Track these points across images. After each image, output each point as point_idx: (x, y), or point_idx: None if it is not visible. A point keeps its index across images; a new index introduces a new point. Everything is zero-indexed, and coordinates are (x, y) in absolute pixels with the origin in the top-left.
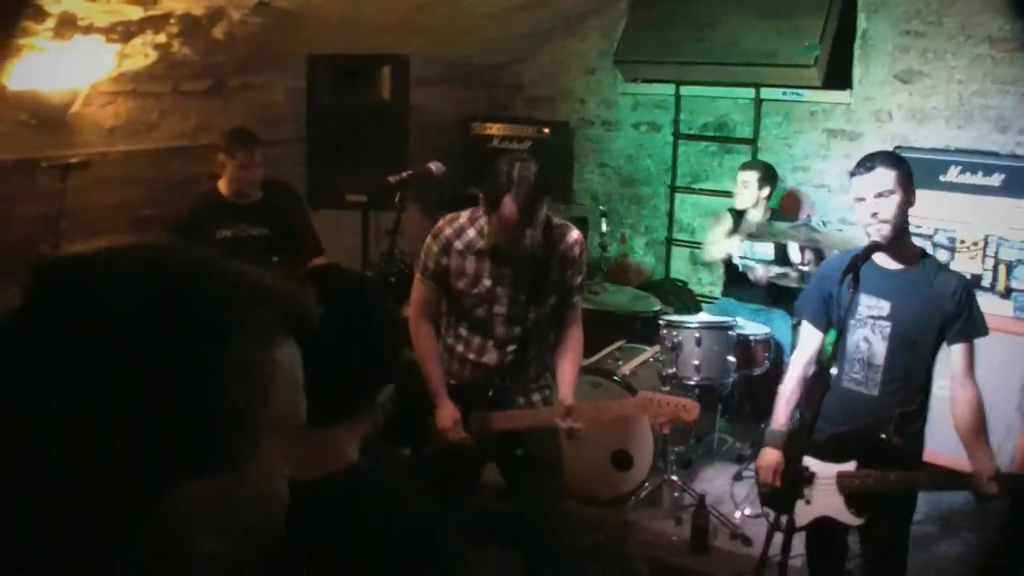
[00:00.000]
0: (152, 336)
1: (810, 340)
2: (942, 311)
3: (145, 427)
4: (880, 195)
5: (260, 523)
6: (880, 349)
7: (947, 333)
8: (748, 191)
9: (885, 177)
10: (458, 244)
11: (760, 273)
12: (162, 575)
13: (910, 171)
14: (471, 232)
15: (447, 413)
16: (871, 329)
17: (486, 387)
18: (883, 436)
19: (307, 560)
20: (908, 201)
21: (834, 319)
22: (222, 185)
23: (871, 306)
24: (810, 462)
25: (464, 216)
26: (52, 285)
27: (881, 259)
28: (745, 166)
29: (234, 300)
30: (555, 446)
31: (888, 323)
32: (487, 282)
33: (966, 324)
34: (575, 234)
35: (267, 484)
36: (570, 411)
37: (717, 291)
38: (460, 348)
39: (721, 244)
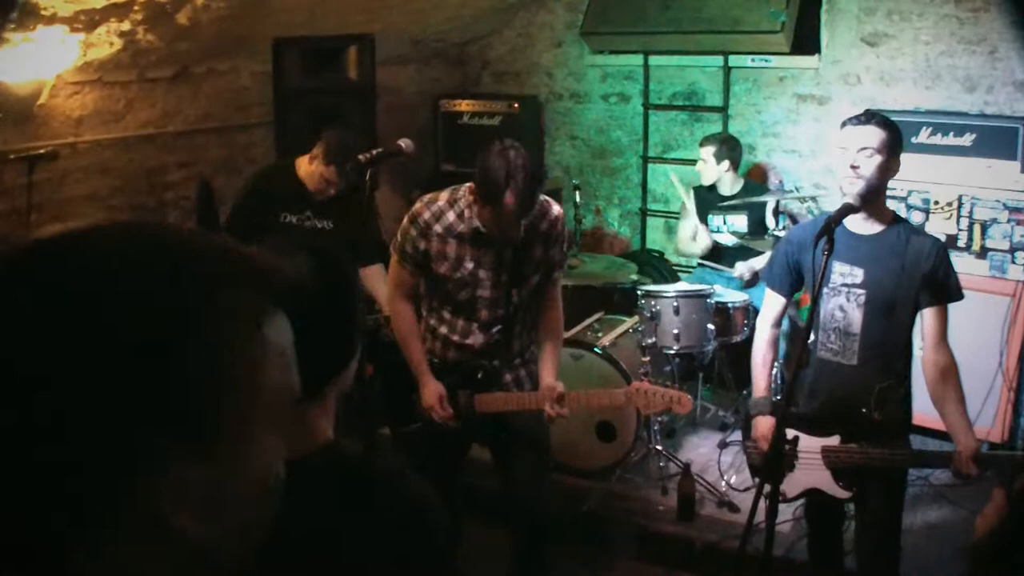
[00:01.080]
0: (139, 318)
1: (772, 304)
2: (918, 275)
3: (125, 410)
4: (863, 150)
5: (255, 509)
6: (856, 317)
7: (921, 297)
8: (708, 167)
9: (874, 135)
10: (438, 228)
11: (742, 271)
12: (148, 560)
13: (901, 140)
14: (450, 215)
15: (432, 390)
16: (845, 297)
17: (473, 368)
18: (864, 410)
19: (291, 540)
20: (890, 167)
21: (807, 286)
22: (303, 166)
23: (844, 273)
24: (795, 434)
25: (443, 199)
26: (38, 267)
27: (853, 224)
28: (703, 142)
29: (221, 278)
30: (542, 424)
31: (863, 291)
32: (469, 265)
33: (940, 287)
34: (556, 210)
35: (263, 468)
36: (561, 398)
37: (694, 260)
38: (444, 330)
39: (692, 245)
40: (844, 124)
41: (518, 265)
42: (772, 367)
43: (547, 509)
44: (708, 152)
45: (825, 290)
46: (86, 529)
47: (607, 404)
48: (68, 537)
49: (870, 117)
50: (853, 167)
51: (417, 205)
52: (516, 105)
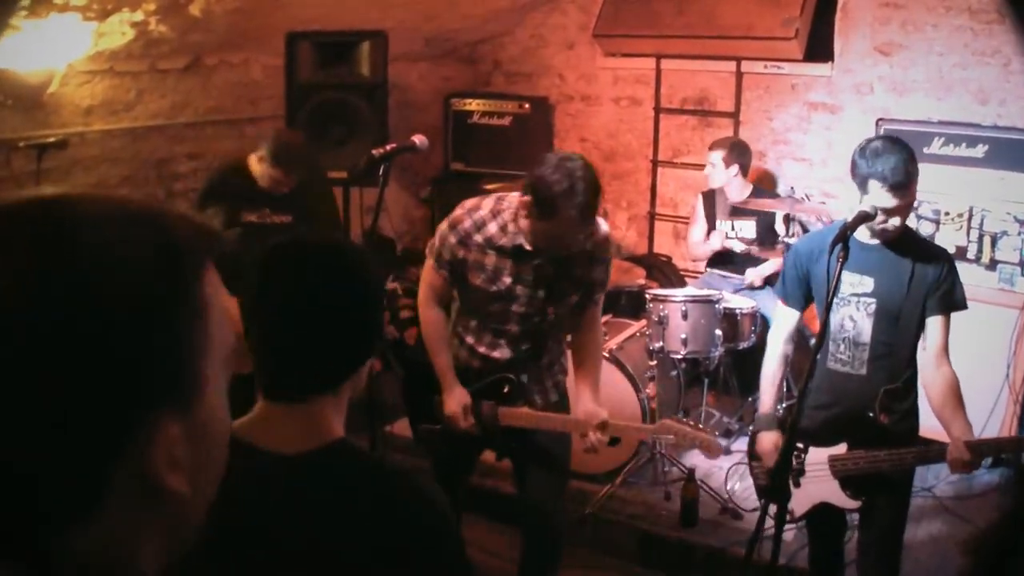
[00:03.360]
0: (105, 277)
1: (786, 319)
2: (925, 283)
3: (107, 369)
4: (903, 208)
5: (213, 461)
6: (865, 327)
7: (927, 305)
8: (716, 171)
9: (912, 193)
10: (478, 238)
11: (752, 277)
12: (144, 522)
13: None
14: (492, 227)
15: (456, 399)
16: (855, 307)
17: (500, 380)
18: (870, 415)
19: (298, 532)
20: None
21: (815, 296)
22: (253, 164)
23: (854, 283)
24: (801, 447)
25: (486, 207)
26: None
27: (863, 234)
28: (713, 145)
29: (173, 236)
30: (564, 444)
31: (872, 300)
32: (507, 280)
33: (946, 295)
34: (604, 230)
35: (226, 419)
36: (605, 425)
37: (701, 265)
38: (471, 339)
39: (703, 247)
40: (875, 181)
41: (557, 284)
42: (782, 384)
43: (562, 524)
44: (717, 156)
45: (835, 300)
46: (79, 502)
47: (636, 437)
48: (61, 511)
49: (907, 180)
50: (895, 227)
51: (458, 211)
52: (527, 106)
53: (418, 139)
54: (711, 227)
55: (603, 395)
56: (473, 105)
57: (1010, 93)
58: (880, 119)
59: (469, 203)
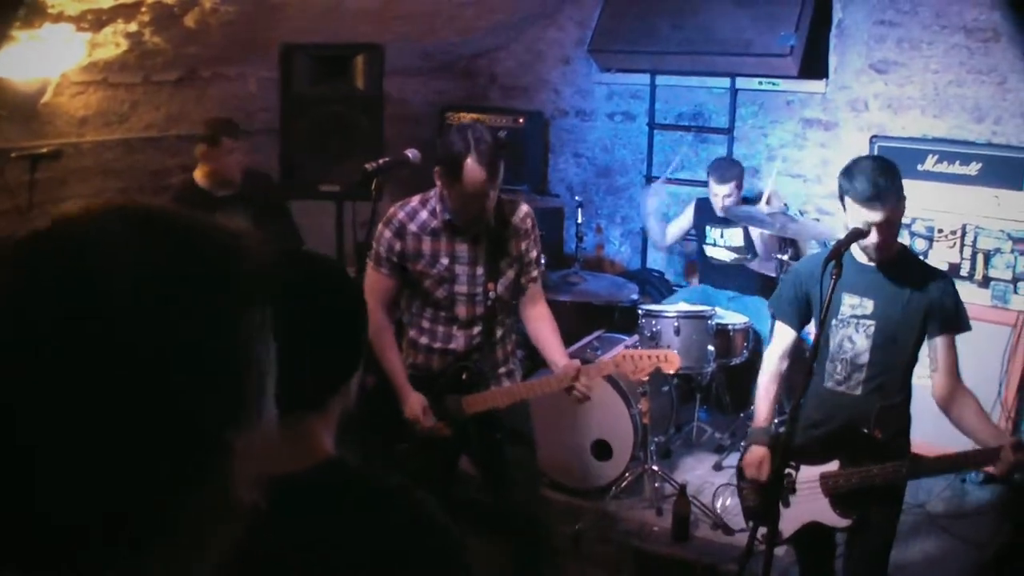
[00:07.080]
0: (193, 293)
1: (782, 338)
2: (923, 303)
3: (201, 385)
4: (881, 225)
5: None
6: (864, 348)
7: (929, 326)
8: (732, 199)
9: (887, 211)
10: (412, 227)
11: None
12: (214, 531)
13: (901, 182)
14: (424, 214)
15: (414, 402)
16: (855, 328)
17: (457, 370)
18: (864, 431)
19: (294, 554)
20: (902, 215)
21: (814, 317)
22: (199, 175)
23: (854, 305)
24: (790, 471)
25: (415, 199)
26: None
27: (860, 255)
28: (721, 178)
29: (251, 256)
30: (529, 423)
31: (872, 321)
32: (444, 261)
33: (950, 317)
34: (525, 207)
35: (271, 432)
36: (579, 374)
37: (696, 279)
38: (425, 339)
39: (663, 236)
40: (856, 200)
41: (493, 259)
42: (776, 400)
43: (543, 510)
44: (731, 187)
45: (834, 321)
46: (165, 519)
47: (595, 374)
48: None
49: (876, 194)
50: (876, 245)
51: (391, 209)
52: (521, 120)
53: (411, 153)
54: (700, 234)
55: (595, 411)
56: (468, 119)
57: (1005, 111)
58: (874, 136)
59: (400, 201)
